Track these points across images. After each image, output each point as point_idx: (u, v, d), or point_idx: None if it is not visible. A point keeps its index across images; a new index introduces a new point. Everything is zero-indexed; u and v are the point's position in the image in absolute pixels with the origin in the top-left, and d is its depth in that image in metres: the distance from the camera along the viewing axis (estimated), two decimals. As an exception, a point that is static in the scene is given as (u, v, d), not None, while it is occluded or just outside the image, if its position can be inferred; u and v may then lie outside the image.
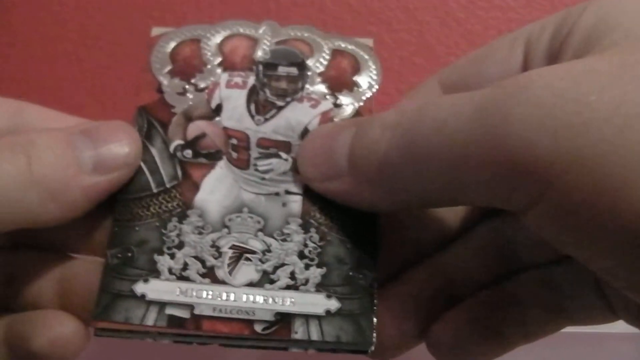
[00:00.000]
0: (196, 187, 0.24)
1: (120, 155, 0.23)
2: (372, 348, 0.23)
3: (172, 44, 0.27)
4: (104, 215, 0.24)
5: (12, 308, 0.24)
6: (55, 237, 0.24)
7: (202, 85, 0.26)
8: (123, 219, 0.24)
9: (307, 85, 0.26)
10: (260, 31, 0.27)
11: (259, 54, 0.27)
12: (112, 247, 0.23)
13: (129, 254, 0.23)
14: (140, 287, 0.23)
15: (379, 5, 0.52)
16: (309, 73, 0.26)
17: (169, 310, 0.22)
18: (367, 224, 0.24)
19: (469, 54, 0.25)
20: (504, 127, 0.17)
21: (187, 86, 0.26)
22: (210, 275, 0.23)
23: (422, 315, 0.25)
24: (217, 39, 0.27)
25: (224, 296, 0.23)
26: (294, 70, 0.26)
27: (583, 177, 0.16)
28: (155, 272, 0.23)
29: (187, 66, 0.27)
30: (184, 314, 0.22)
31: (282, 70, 0.26)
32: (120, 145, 0.23)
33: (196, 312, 0.22)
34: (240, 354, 0.37)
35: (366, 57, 0.27)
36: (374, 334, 0.23)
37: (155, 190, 0.24)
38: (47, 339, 0.22)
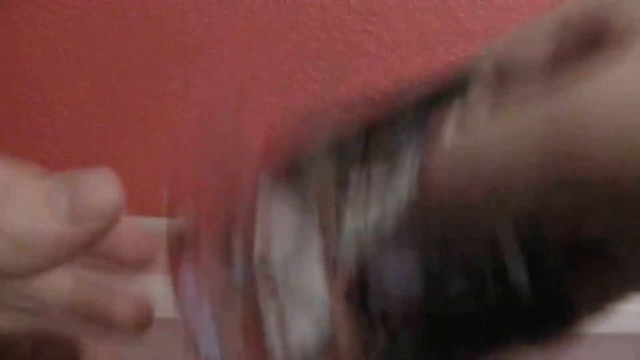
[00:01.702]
0: None
1: (97, 204, 0.21)
2: None
3: None
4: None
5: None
6: None
7: None
8: None
9: None
10: None
11: None
12: None
13: None
14: None
15: (378, 5, 0.52)
16: None
17: None
18: None
19: (509, 33, 0.24)
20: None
21: None
22: None
23: None
24: None
25: None
26: None
27: None
28: None
29: None
30: None
31: None
32: (97, 193, 0.21)
33: None
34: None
35: None
36: None
37: None
38: None
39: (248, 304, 0.19)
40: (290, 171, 0.20)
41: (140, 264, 0.26)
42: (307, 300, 0.19)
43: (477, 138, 0.18)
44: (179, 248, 0.21)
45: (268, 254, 0.19)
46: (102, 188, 0.21)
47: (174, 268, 0.21)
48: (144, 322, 0.25)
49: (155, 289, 0.28)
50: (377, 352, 0.18)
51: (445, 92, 0.21)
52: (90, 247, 0.21)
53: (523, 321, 0.18)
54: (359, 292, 0.19)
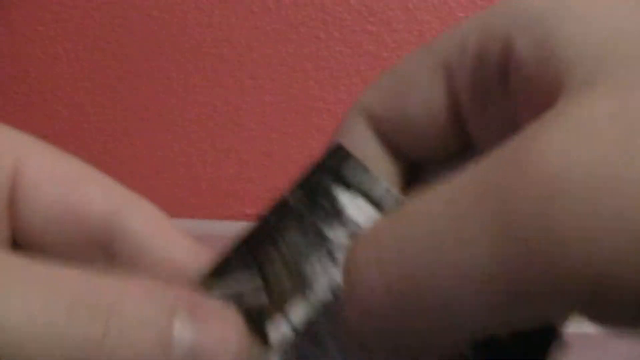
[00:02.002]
0: None
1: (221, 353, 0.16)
2: None
3: None
4: None
5: None
6: None
7: None
8: None
9: None
10: None
11: None
12: None
13: None
14: None
15: (378, 5, 0.52)
16: None
17: None
18: None
19: (387, 77, 0.20)
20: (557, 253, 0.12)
21: None
22: None
23: None
24: None
25: None
26: None
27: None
28: None
29: None
30: None
31: None
32: (224, 338, 0.17)
33: None
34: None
35: None
36: None
37: None
38: None
39: None
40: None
41: None
42: None
43: (410, 222, 0.14)
44: None
45: None
46: (228, 329, 0.17)
47: None
48: None
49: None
50: None
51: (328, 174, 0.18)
52: None
53: None
54: None
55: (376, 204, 0.18)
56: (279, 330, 0.18)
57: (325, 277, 0.18)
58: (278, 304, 0.18)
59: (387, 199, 0.18)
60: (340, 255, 0.18)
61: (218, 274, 0.18)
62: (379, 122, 0.20)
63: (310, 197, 0.18)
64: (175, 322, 0.16)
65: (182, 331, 0.16)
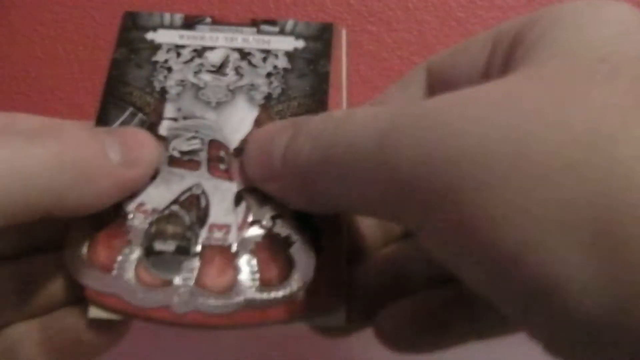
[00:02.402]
0: None
1: (143, 154, 0.24)
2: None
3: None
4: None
5: (36, 312, 0.24)
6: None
7: None
8: None
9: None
10: None
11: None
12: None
13: None
14: None
15: (378, 5, 0.52)
16: None
17: None
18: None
19: (456, 44, 0.26)
20: (397, 158, 0.18)
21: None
22: None
23: (370, 301, 0.25)
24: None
25: None
26: None
27: (453, 214, 0.17)
28: None
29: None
30: None
31: None
32: (142, 146, 0.24)
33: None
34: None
35: None
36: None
37: None
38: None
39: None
40: None
41: None
42: None
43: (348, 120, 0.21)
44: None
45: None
46: (143, 140, 0.25)
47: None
48: None
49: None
50: None
51: None
52: (135, 188, 0.24)
53: None
54: None
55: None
56: (164, 129, 0.26)
57: (169, 79, 0.28)
58: (153, 114, 0.27)
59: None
60: (163, 67, 0.28)
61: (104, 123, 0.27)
62: (434, 68, 0.26)
63: (132, 46, 0.30)
64: (100, 137, 0.23)
65: (109, 143, 0.23)
